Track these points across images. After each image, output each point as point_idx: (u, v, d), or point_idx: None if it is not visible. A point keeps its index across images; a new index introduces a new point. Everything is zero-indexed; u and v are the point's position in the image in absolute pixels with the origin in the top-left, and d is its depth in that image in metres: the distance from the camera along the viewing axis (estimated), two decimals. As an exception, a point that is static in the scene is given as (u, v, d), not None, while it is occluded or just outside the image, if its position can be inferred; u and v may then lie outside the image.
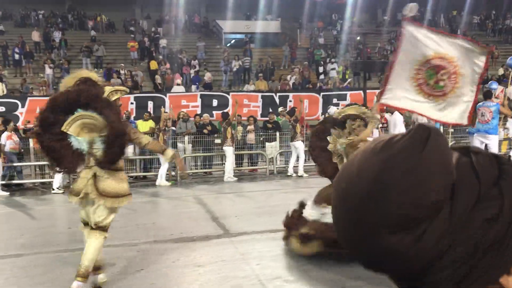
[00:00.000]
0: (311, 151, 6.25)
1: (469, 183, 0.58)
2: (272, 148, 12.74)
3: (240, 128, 12.98)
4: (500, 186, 0.58)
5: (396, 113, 11.57)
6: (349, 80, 21.84)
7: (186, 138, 12.30)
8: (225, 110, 18.11)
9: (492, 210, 0.57)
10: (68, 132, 3.87)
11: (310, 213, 5.52)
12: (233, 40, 31.15)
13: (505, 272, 0.58)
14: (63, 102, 3.81)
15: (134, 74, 20.51)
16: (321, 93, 18.72)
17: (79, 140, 3.94)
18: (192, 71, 22.29)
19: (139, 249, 5.85)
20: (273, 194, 9.49)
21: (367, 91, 19.53)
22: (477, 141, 11.25)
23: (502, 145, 14.51)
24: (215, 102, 18.53)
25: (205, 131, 12.61)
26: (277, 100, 19.03)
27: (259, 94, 19.03)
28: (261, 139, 13.00)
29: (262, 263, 5.13)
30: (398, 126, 11.31)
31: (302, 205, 5.81)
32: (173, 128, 12.42)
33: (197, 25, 30.33)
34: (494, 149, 11.22)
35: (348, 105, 6.10)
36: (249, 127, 12.80)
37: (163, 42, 25.30)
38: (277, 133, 12.99)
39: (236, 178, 11.67)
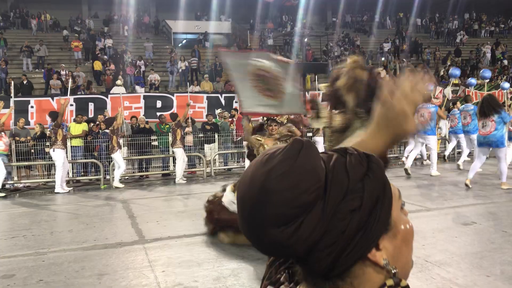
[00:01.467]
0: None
1: (340, 180, 0.71)
2: (211, 150, 12.63)
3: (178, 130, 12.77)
4: (363, 181, 0.72)
5: None
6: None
7: (121, 140, 11.98)
8: (172, 111, 18.08)
9: (355, 202, 0.70)
10: None
11: (228, 200, 5.71)
12: (184, 41, 30.84)
13: (370, 250, 0.72)
14: None
15: (75, 75, 19.88)
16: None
17: None
18: (136, 72, 21.85)
19: (46, 258, 5.60)
20: (202, 197, 9.35)
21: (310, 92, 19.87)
22: (417, 141, 11.67)
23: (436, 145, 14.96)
24: (159, 103, 18.22)
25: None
26: (223, 101, 18.97)
27: (204, 95, 18.87)
28: (200, 140, 12.86)
29: (168, 270, 5.01)
30: None
31: (223, 190, 6.03)
32: (107, 130, 12.10)
33: (146, 25, 29.81)
34: (433, 148, 11.63)
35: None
36: (187, 129, 12.62)
37: (108, 42, 24.71)
38: (216, 135, 12.89)
39: (186, 180, 11.54)
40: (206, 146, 12.71)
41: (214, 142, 12.78)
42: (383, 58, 25.62)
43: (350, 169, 0.72)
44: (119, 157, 11.09)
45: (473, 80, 16.74)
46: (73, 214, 8.37)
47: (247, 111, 6.57)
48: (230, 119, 14.68)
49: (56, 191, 10.52)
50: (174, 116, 12.20)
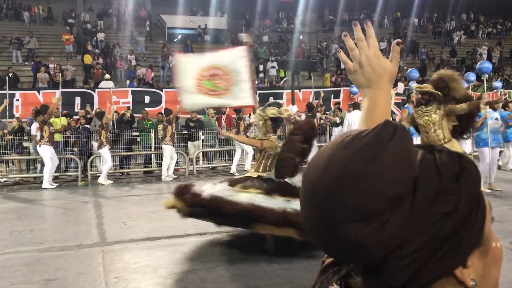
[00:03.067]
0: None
1: (430, 178, 0.61)
2: (194, 148, 12.33)
3: (161, 126, 12.47)
4: (459, 182, 0.62)
5: (353, 113, 11.70)
6: (285, 78, 21.71)
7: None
8: (160, 107, 17.79)
9: (449, 205, 0.60)
10: None
11: (216, 189, 5.33)
12: (180, 36, 30.51)
13: (461, 264, 0.62)
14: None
15: (64, 69, 19.55)
16: (258, 92, 18.47)
17: None
18: (127, 66, 21.54)
19: (-5, 261, 5.31)
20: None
21: (302, 90, 19.56)
22: None
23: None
24: (147, 99, 17.93)
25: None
26: (212, 98, 18.70)
27: (194, 91, 18.60)
28: (184, 137, 12.55)
29: (121, 276, 4.72)
30: (353, 127, 11.35)
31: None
32: (87, 126, 11.79)
33: (141, 19, 29.45)
34: None
35: (268, 105, 5.90)
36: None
37: (100, 36, 24.38)
38: (200, 132, 12.60)
39: (175, 177, 11.30)
40: (189, 143, 12.41)
41: (198, 139, 12.46)
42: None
43: (442, 167, 0.62)
44: (107, 153, 10.87)
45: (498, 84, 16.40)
46: (40, 212, 8.10)
47: (187, 109, 7.34)
48: (217, 115, 14.41)
49: (43, 186, 10.33)
50: (167, 112, 11.95)
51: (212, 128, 12.93)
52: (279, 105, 5.86)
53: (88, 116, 12.44)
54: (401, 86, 18.98)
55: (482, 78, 11.26)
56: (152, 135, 12.16)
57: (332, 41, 27.48)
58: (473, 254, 0.63)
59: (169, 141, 11.21)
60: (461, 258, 0.62)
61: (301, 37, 29.11)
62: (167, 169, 11.22)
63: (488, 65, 10.77)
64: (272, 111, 5.69)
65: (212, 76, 6.71)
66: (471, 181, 0.63)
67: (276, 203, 4.98)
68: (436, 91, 6.26)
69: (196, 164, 12.34)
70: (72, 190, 10.27)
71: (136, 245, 5.79)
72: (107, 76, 18.27)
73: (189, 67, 6.78)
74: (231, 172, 11.58)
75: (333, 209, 0.61)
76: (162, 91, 18.40)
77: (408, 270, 0.60)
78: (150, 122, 12.79)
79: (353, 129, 0.68)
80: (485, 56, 25.43)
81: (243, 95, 6.85)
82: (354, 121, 11.45)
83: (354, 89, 14.80)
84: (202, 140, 12.71)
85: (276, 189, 5.25)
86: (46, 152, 10.28)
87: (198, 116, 13.08)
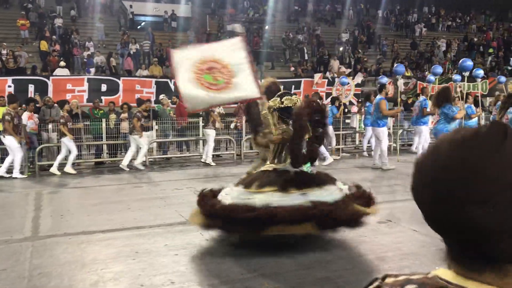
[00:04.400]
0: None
1: None
2: (148, 138, 12.10)
3: (113, 116, 12.21)
4: None
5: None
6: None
7: (50, 126, 11.33)
8: (118, 95, 17.42)
9: None
10: None
11: (232, 195, 5.17)
12: (143, 23, 29.89)
13: None
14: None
15: (17, 55, 18.86)
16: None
17: None
18: (85, 54, 20.96)
19: None
20: (126, 188, 8.92)
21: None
22: (369, 132, 11.70)
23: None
24: (104, 87, 17.53)
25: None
26: (172, 87, 18.39)
27: (153, 80, 18.27)
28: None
29: (44, 271, 4.56)
30: None
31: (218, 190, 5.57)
32: (36, 115, 11.40)
33: (102, 5, 28.68)
34: (365, 139, 11.63)
35: (285, 93, 5.78)
36: (122, 115, 12.06)
37: (58, 22, 23.62)
38: (154, 122, 12.38)
39: (144, 167, 11.21)
40: (144, 133, 12.13)
41: (151, 129, 12.24)
42: (340, 48, 25.46)
43: None
44: (69, 142, 10.67)
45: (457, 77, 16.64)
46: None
47: (193, 109, 6.93)
48: (173, 106, 14.20)
49: (13, 176, 10.15)
50: (140, 102, 11.69)
51: (167, 118, 12.73)
52: (283, 95, 5.68)
53: (37, 105, 12.02)
54: (359, 77, 19.19)
55: (463, 74, 11.55)
56: (104, 125, 11.86)
57: (297, 32, 27.46)
58: None
59: (140, 132, 11.17)
60: None
61: (266, 27, 29.00)
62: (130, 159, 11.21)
63: (469, 63, 11.03)
64: (274, 102, 5.59)
65: (210, 69, 6.45)
66: None
67: (292, 199, 4.91)
68: None
69: (150, 155, 12.14)
70: (16, 181, 9.93)
71: (68, 239, 5.62)
72: (62, 63, 17.74)
73: (185, 62, 6.50)
74: (207, 162, 11.61)
75: (457, 195, 0.72)
76: (119, 79, 18.03)
77: None
78: (102, 111, 12.48)
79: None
80: (443, 49, 25.96)
81: (247, 87, 6.56)
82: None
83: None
84: (156, 130, 12.50)
85: (292, 180, 5.13)
86: (13, 142, 10.06)
87: (152, 106, 12.84)
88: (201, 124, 12.74)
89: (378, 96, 10.88)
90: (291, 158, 5.18)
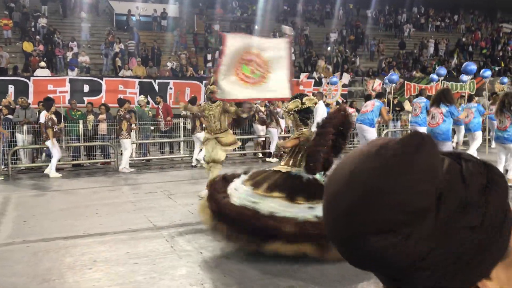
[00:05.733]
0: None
1: (456, 190, 0.60)
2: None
3: (91, 117, 11.91)
4: (486, 195, 0.61)
5: (320, 102, 11.56)
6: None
7: (25, 127, 11.02)
8: (100, 96, 17.10)
9: (475, 218, 0.59)
10: None
11: (240, 194, 4.95)
12: (131, 23, 29.54)
13: (485, 277, 0.61)
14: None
15: (-3, 55, 18.50)
16: (203, 81, 18.04)
17: None
18: (70, 54, 20.61)
19: None
20: (99, 191, 8.63)
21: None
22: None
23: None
24: (86, 88, 17.25)
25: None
26: (156, 87, 18.13)
27: (136, 80, 17.98)
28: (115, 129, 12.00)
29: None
30: (318, 115, 11.26)
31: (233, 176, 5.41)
32: (10, 116, 11.10)
33: (88, 5, 28.32)
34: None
35: (301, 95, 5.56)
36: (100, 116, 11.77)
37: (42, 22, 23.24)
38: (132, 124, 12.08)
39: (132, 169, 10.99)
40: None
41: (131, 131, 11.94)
42: (328, 48, 25.29)
43: (468, 178, 0.61)
44: (52, 146, 10.39)
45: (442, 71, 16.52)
46: None
47: (221, 98, 6.93)
48: (156, 106, 13.93)
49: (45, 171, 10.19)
50: (121, 103, 11.41)
51: (147, 119, 12.46)
52: (303, 96, 5.48)
53: (11, 106, 11.70)
54: (346, 77, 19.00)
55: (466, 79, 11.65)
56: (81, 126, 11.56)
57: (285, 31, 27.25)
58: (497, 266, 0.62)
59: (126, 134, 10.93)
60: (485, 271, 0.61)
61: (256, 27, 28.80)
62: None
63: (473, 67, 11.04)
64: (294, 104, 5.36)
65: (249, 61, 6.58)
66: (499, 194, 0.62)
67: (298, 211, 4.65)
68: None
69: (130, 157, 11.85)
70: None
71: (26, 247, 5.35)
72: (42, 63, 17.40)
73: (235, 48, 6.59)
74: (193, 164, 11.40)
75: (358, 222, 0.60)
76: (102, 79, 17.72)
77: (431, 281, 0.60)
78: (79, 112, 12.18)
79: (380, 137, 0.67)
80: (431, 49, 25.88)
81: (279, 85, 6.67)
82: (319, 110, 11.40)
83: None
84: (135, 131, 12.22)
85: (303, 189, 4.87)
86: None
87: (130, 107, 12.56)
88: (181, 126, 12.50)
89: (378, 102, 10.83)
90: (307, 162, 4.89)
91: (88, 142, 11.65)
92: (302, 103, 5.28)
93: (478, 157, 0.66)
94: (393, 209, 0.58)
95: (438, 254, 0.59)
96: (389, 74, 15.72)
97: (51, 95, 16.09)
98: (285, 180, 4.98)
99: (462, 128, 11.94)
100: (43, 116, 10.77)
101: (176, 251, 5.12)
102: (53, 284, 4.32)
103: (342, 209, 0.62)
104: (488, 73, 15.22)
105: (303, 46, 25.43)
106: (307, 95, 5.54)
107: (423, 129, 10.59)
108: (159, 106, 13.42)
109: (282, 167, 5.21)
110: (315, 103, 5.31)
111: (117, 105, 13.09)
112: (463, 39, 27.88)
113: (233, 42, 6.71)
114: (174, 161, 12.57)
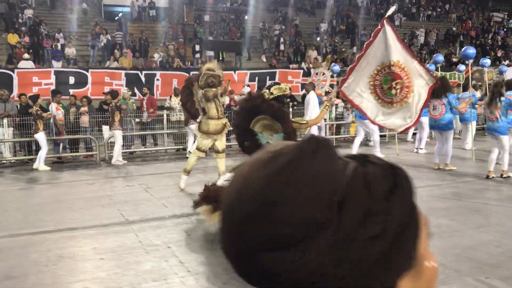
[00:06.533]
0: (235, 129, 5.49)
1: (359, 198, 0.55)
2: (109, 132, 11.70)
3: (73, 109, 11.78)
4: (389, 201, 0.56)
5: (311, 93, 11.48)
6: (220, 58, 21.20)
7: (5, 121, 10.88)
8: (86, 88, 16.93)
9: (377, 227, 0.54)
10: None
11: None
12: (120, 14, 29.29)
13: (392, 286, 0.57)
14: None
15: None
16: (191, 73, 17.90)
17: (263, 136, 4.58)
18: (58, 45, 20.42)
19: None
20: (75, 185, 8.55)
21: (238, 71, 19.14)
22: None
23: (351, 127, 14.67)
24: (72, 80, 17.10)
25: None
26: (143, 79, 17.99)
27: (123, 72, 17.83)
28: (98, 121, 11.89)
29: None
30: (310, 106, 11.27)
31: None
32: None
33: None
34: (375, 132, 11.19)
35: (272, 84, 5.45)
36: (82, 109, 11.64)
37: (28, 13, 22.96)
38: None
39: (125, 161, 10.95)
40: (104, 127, 11.77)
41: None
42: (318, 38, 25.13)
43: (373, 183, 0.56)
44: (42, 138, 10.33)
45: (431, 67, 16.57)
46: None
47: (344, 92, 6.42)
48: (142, 98, 13.83)
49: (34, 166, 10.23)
50: (114, 94, 11.29)
51: (131, 111, 12.34)
52: (271, 85, 5.44)
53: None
54: (336, 67, 18.86)
55: (467, 63, 11.56)
56: (63, 119, 11.42)
57: (275, 22, 27.08)
58: (404, 276, 0.58)
59: (118, 126, 10.87)
60: (390, 283, 0.57)
61: (246, 17, 28.59)
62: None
63: (472, 51, 11.01)
64: (276, 91, 5.30)
65: (395, 75, 6.09)
66: (403, 198, 0.57)
67: None
68: None
69: (112, 150, 11.75)
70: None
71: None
72: (26, 55, 17.21)
73: (387, 47, 6.24)
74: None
75: (250, 237, 0.54)
76: (88, 71, 17.56)
77: None
78: (61, 105, 12.03)
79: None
80: (422, 39, 25.76)
81: (402, 120, 6.32)
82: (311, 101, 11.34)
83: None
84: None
85: None
86: None
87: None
88: (165, 118, 12.41)
89: None
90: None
91: (71, 135, 11.52)
92: (270, 93, 5.19)
93: (385, 158, 0.61)
94: (287, 222, 0.53)
95: (338, 269, 0.54)
96: None
97: (36, 88, 16.14)
98: None
99: (457, 117, 12.02)
100: (54, 107, 10.98)
101: (144, 245, 5.05)
102: (15, 281, 4.25)
103: (234, 222, 0.56)
104: (487, 61, 15.15)
105: (293, 36, 25.26)
106: (278, 84, 5.43)
107: (425, 119, 10.66)
108: (145, 98, 13.33)
109: None
110: (284, 92, 5.20)
111: (102, 97, 13.06)
112: (454, 28, 27.77)
113: (388, 36, 6.30)
114: (158, 153, 12.47)
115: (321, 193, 0.53)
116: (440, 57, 14.56)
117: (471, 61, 10.36)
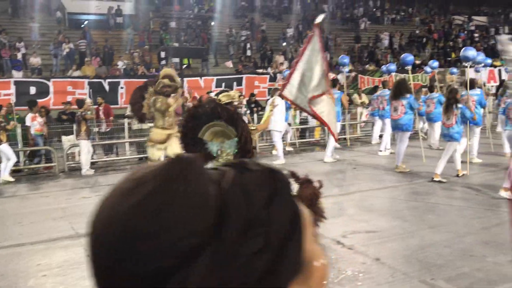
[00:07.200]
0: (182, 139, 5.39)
1: (238, 210, 0.51)
2: (69, 142, 11.45)
3: (31, 120, 11.47)
4: (269, 209, 0.52)
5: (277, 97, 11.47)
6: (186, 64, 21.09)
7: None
8: (48, 98, 16.55)
9: (259, 241, 0.51)
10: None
11: None
12: (86, 22, 28.86)
13: None
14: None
15: None
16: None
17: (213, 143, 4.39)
18: (20, 55, 19.95)
19: None
20: (31, 198, 8.31)
21: (204, 77, 19.06)
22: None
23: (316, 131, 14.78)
24: (33, 90, 16.69)
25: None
26: (107, 87, 17.71)
27: (86, 81, 17.50)
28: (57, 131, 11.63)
29: None
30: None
31: None
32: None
33: (39, 4, 27.44)
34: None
35: (221, 92, 5.55)
36: (39, 120, 11.34)
37: (-13, 22, 22.38)
38: (74, 125, 11.71)
39: (93, 171, 10.76)
40: (63, 138, 11.50)
41: (73, 133, 11.57)
42: (284, 44, 25.29)
43: (252, 192, 0.52)
44: (8, 149, 10.04)
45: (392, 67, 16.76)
46: None
47: (287, 96, 6.55)
48: (96, 107, 13.56)
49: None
50: (80, 104, 11.01)
51: (90, 121, 12.09)
52: (220, 92, 5.47)
53: None
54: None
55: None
56: (19, 130, 11.11)
57: (242, 28, 27.11)
58: (292, 283, 0.54)
59: (85, 135, 10.62)
60: None
61: (213, 23, 28.55)
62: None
63: (410, 58, 11.21)
64: (224, 98, 5.25)
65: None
66: (283, 204, 0.54)
67: None
68: None
69: (73, 160, 11.50)
70: None
71: None
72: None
73: (315, 53, 6.34)
74: None
75: (117, 274, 0.49)
76: (49, 81, 17.18)
77: None
78: (17, 116, 11.70)
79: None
80: (386, 42, 26.21)
81: (322, 82, 6.40)
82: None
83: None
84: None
85: None
86: None
87: (73, 107, 12.19)
88: (127, 126, 12.22)
89: (337, 90, 10.90)
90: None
91: (28, 146, 11.22)
92: (219, 100, 5.16)
93: (264, 164, 0.57)
94: (157, 256, 0.48)
95: (226, 286, 0.50)
96: (339, 57, 15.80)
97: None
98: None
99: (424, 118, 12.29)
100: (29, 118, 10.88)
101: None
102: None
103: (101, 256, 0.51)
104: (435, 64, 15.63)
105: (260, 42, 25.35)
106: (226, 91, 5.42)
107: (387, 121, 10.93)
108: (100, 107, 12.98)
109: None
110: (232, 99, 5.19)
111: (61, 107, 12.79)
112: (417, 31, 28.34)
113: (317, 42, 6.50)
114: (120, 162, 12.27)
115: (194, 218, 0.49)
116: (410, 57, 14.66)
117: (470, 63, 10.25)
